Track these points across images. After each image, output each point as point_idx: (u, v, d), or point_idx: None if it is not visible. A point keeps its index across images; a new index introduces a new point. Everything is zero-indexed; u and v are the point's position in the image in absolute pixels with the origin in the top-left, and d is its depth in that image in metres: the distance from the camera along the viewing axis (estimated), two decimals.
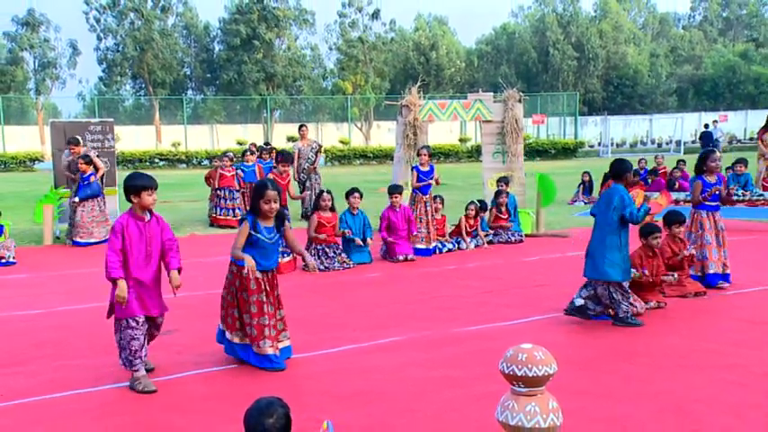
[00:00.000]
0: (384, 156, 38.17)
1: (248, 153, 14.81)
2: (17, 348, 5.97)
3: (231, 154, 15.10)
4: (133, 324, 4.92)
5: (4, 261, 10.09)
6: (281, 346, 5.39)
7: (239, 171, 14.17)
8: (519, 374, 2.76)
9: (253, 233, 5.26)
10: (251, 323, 5.25)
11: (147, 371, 5.13)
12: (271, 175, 9.26)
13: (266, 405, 3.11)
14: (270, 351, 5.25)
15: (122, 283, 4.83)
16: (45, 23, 53.27)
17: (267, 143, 17.64)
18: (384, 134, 50.04)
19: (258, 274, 5.25)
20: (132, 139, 42.87)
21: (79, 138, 12.20)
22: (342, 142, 42.26)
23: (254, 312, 5.25)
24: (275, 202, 5.27)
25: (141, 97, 57.27)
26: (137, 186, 4.94)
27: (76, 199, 11.53)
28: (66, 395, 4.83)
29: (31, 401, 4.73)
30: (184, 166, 37.52)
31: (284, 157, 9.60)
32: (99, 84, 55.69)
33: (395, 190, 10.39)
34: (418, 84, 13.23)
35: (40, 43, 52.87)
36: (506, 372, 2.80)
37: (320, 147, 14.99)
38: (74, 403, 4.70)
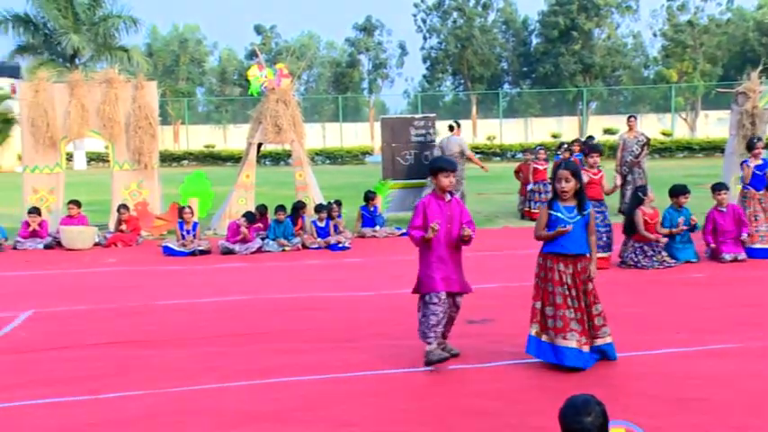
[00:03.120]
0: (712, 148, 35.21)
1: (563, 147, 14.65)
2: (352, 325, 6.61)
3: (544, 148, 15.11)
4: (435, 300, 5.16)
5: (340, 246, 11.23)
6: (599, 342, 5.23)
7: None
8: None
9: (551, 212, 5.22)
10: (555, 315, 5.15)
11: (453, 356, 5.35)
12: (584, 174, 9.02)
13: (582, 403, 3.05)
14: (573, 345, 5.09)
15: (429, 231, 5.09)
16: (379, 28, 58.13)
17: (591, 137, 17.29)
18: (712, 125, 46.05)
19: (561, 266, 5.17)
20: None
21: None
22: (663, 134, 39.79)
23: (558, 303, 5.14)
24: (566, 181, 5.17)
25: (460, 93, 59.62)
26: (435, 168, 5.33)
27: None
28: (391, 372, 5.22)
29: (363, 375, 5.20)
30: (498, 159, 38.32)
31: (592, 147, 9.31)
32: (422, 81, 59.19)
33: (719, 187, 9.49)
34: (759, 68, 11.93)
35: (374, 46, 57.79)
36: None
37: (647, 140, 14.19)
38: (396, 381, 5.06)
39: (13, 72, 41.87)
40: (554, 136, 39.67)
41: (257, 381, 5.05)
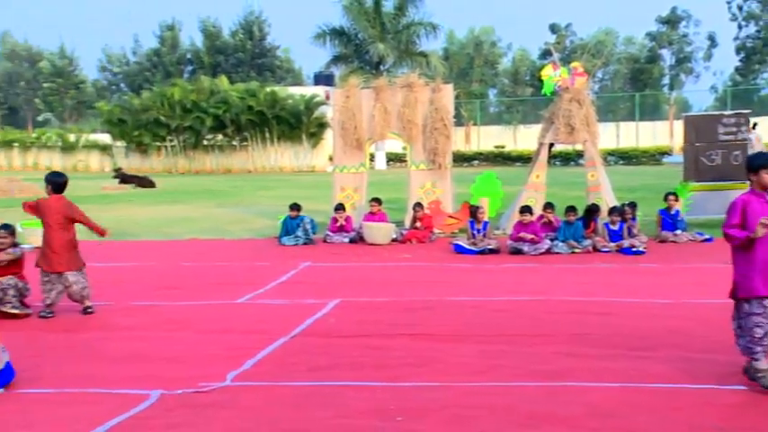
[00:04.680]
0: None
1: None
2: (647, 333, 6.26)
3: None
4: (757, 309, 4.74)
5: (634, 250, 10.68)
6: None
7: None
8: None
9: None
10: None
11: None
12: None
13: None
14: None
15: (758, 227, 4.69)
16: (686, 19, 54.42)
17: None
18: None
19: None
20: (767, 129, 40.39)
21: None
22: None
23: None
24: None
25: None
26: (757, 165, 4.97)
27: None
28: (691, 387, 4.88)
29: (659, 387, 4.91)
30: None
31: None
32: (734, 74, 54.17)
33: None
34: None
35: (678, 39, 54.19)
36: None
37: None
38: (696, 397, 4.71)
39: (328, 80, 46.36)
40: None
41: (547, 382, 5.02)
